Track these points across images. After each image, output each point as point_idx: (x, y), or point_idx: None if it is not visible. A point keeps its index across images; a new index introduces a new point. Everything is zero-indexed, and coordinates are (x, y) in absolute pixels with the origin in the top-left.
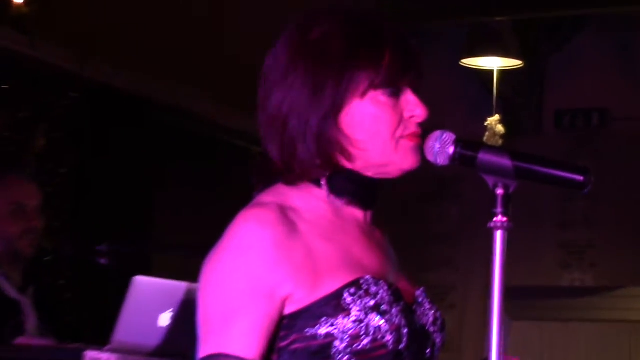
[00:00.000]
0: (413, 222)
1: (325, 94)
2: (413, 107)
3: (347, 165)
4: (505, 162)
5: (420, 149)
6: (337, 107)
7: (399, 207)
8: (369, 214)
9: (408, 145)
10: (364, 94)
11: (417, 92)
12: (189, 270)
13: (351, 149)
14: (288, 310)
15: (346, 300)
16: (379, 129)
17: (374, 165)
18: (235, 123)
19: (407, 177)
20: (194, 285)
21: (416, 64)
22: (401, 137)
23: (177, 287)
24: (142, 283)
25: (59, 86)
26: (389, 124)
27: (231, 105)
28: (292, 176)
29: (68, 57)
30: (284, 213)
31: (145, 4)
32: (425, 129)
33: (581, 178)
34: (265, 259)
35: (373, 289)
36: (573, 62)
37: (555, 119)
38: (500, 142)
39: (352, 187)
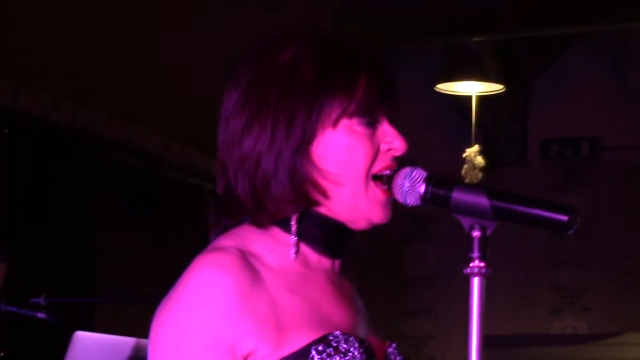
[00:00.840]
0: (388, 266)
1: (295, 124)
2: (391, 138)
3: (321, 200)
4: (482, 201)
5: (390, 201)
6: (308, 138)
7: (373, 249)
8: (337, 263)
9: (378, 195)
10: (336, 123)
11: (394, 123)
12: (137, 323)
13: (324, 183)
14: None
15: (314, 359)
16: (353, 161)
17: (345, 207)
18: (186, 160)
19: None
20: (142, 341)
21: (393, 92)
22: (375, 175)
23: (124, 343)
24: (84, 339)
25: None
26: (364, 156)
27: (182, 141)
28: (264, 216)
29: (1, 90)
30: (246, 259)
31: (87, 34)
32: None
33: (565, 218)
34: (226, 309)
35: (343, 346)
36: (559, 85)
37: (540, 149)
38: (480, 175)
39: (322, 233)
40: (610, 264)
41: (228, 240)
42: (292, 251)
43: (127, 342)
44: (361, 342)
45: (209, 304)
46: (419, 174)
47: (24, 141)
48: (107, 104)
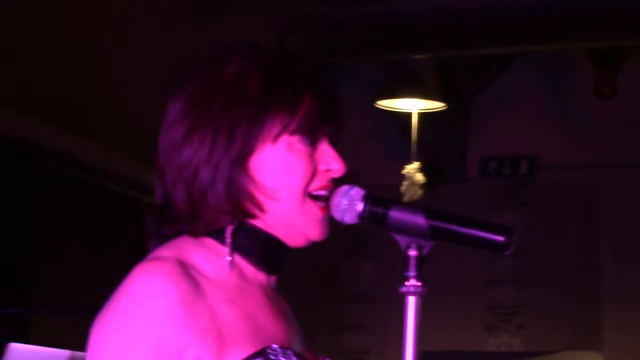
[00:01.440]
0: (326, 280)
1: (236, 136)
2: (330, 159)
3: (257, 214)
4: (420, 220)
5: (328, 218)
6: (247, 151)
7: (311, 264)
8: (273, 279)
9: (315, 212)
10: (276, 139)
11: (335, 144)
12: (73, 335)
13: (260, 197)
14: None
15: None
16: (290, 177)
17: (281, 223)
18: (125, 171)
19: None
20: (78, 353)
21: (337, 113)
22: (310, 194)
23: (59, 355)
24: (19, 351)
25: None
26: (301, 174)
27: (122, 153)
28: (200, 225)
29: None
30: (186, 269)
31: (27, 44)
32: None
33: (502, 239)
34: (170, 318)
35: (281, 359)
36: (499, 104)
37: (480, 166)
38: (419, 192)
39: (257, 247)
40: (547, 283)
41: (166, 251)
42: (227, 256)
43: (62, 355)
44: (298, 356)
45: (153, 313)
46: (357, 192)
47: None
48: (47, 114)
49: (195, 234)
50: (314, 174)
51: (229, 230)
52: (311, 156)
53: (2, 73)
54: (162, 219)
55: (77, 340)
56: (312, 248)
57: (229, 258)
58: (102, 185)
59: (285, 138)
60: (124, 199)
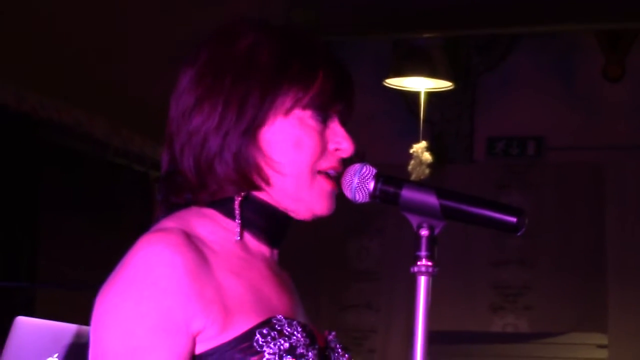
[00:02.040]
0: (332, 258)
1: (247, 106)
2: (340, 139)
3: (263, 186)
4: (432, 200)
5: (336, 194)
6: (258, 122)
7: (317, 241)
8: (275, 252)
9: (324, 186)
10: (288, 112)
11: (345, 124)
12: (79, 309)
13: (268, 171)
14: (197, 350)
15: (259, 342)
16: (299, 153)
17: (288, 197)
18: (133, 146)
19: None
20: (84, 327)
21: (349, 92)
22: (319, 171)
23: (65, 329)
24: (25, 324)
25: None
26: (311, 150)
27: (128, 128)
28: (205, 194)
29: None
30: (191, 240)
31: (35, 18)
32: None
33: (514, 220)
34: (177, 288)
35: (287, 329)
36: (507, 84)
37: (487, 147)
38: (427, 171)
39: (262, 220)
40: (553, 264)
41: (171, 222)
42: (236, 235)
43: (68, 329)
44: (304, 327)
45: (159, 283)
46: (369, 170)
47: None
48: (55, 87)
49: (200, 203)
50: (322, 152)
51: (237, 204)
52: (321, 133)
53: (9, 47)
54: (169, 187)
55: (82, 314)
56: (318, 225)
57: (238, 230)
58: (109, 159)
59: (298, 112)
60: (131, 173)
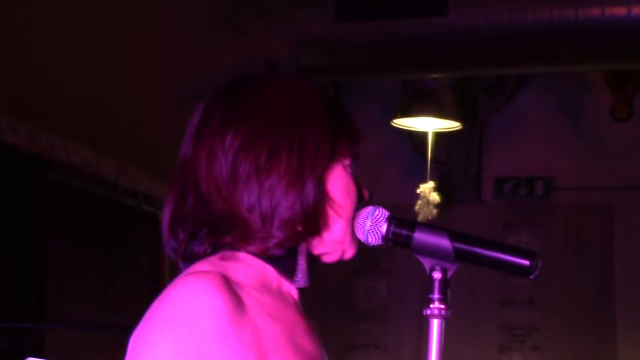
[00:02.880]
0: (340, 298)
1: (318, 156)
2: (360, 184)
3: (323, 231)
4: (444, 243)
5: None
6: (323, 171)
7: (326, 281)
8: (299, 296)
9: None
10: (343, 159)
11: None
12: (89, 349)
13: (330, 212)
14: None
15: None
16: (349, 198)
17: (333, 241)
18: (141, 186)
19: None
20: None
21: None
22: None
23: None
24: None
25: None
26: (354, 195)
27: (137, 168)
28: (270, 243)
29: None
30: (229, 283)
31: (46, 58)
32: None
33: (527, 263)
34: (216, 331)
35: None
36: (515, 124)
37: (495, 187)
38: (434, 211)
39: (301, 266)
40: (561, 304)
41: (206, 266)
42: (294, 286)
43: None
44: None
45: (199, 324)
46: (381, 213)
47: None
48: (63, 128)
49: (264, 252)
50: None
51: (301, 257)
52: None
53: (20, 88)
54: (220, 232)
55: (91, 354)
56: (326, 265)
57: (302, 274)
58: (118, 199)
59: (343, 160)
60: (139, 214)
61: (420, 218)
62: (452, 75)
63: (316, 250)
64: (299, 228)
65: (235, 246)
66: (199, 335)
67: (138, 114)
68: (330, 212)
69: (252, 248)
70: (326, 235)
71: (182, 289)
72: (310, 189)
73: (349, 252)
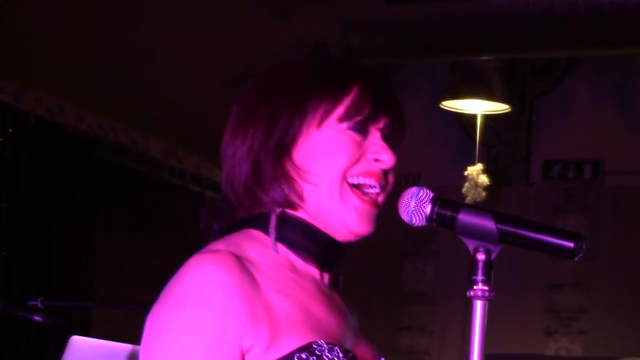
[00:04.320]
0: (387, 280)
1: (277, 122)
2: (379, 149)
3: (297, 202)
4: (489, 224)
5: (373, 213)
6: (290, 137)
7: (372, 263)
8: (326, 276)
9: (355, 202)
10: (320, 124)
11: (393, 146)
12: (134, 329)
13: (301, 184)
14: None
15: None
16: (331, 160)
17: (322, 211)
18: (188, 167)
19: (383, 230)
20: (139, 347)
21: (391, 109)
22: (354, 185)
23: (120, 349)
24: (80, 344)
25: None
26: (344, 157)
27: (185, 148)
28: (241, 210)
29: (4, 88)
30: (241, 261)
31: (93, 39)
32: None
33: (572, 245)
34: (229, 308)
35: (327, 355)
36: (564, 107)
37: (543, 170)
38: (483, 194)
39: (304, 240)
40: (609, 288)
41: (221, 245)
42: (273, 246)
43: (123, 349)
44: (345, 353)
45: (211, 302)
46: (426, 194)
47: (26, 141)
48: (112, 107)
49: (239, 221)
50: (358, 160)
51: (273, 218)
52: (359, 143)
53: (68, 69)
54: (213, 214)
55: (137, 334)
56: (374, 248)
57: (275, 247)
58: (165, 179)
59: (333, 124)
60: (186, 193)
61: (468, 200)
62: (501, 57)
63: (321, 226)
64: (258, 194)
65: (241, 224)
66: (213, 313)
67: (187, 96)
68: (300, 181)
69: (235, 218)
70: (307, 207)
71: (194, 269)
72: (265, 160)
73: (354, 225)
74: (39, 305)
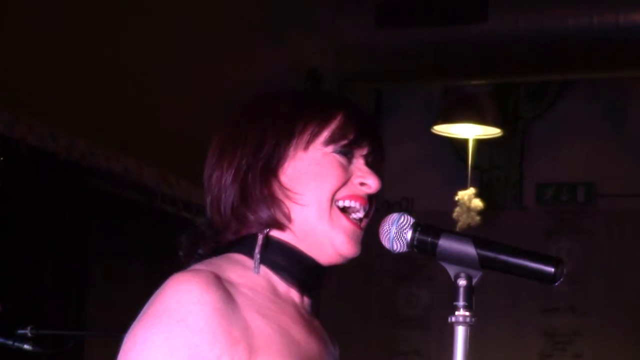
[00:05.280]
0: (382, 305)
1: (264, 145)
2: (364, 174)
3: (285, 223)
4: (469, 250)
5: (359, 235)
6: (276, 159)
7: (367, 287)
8: (307, 300)
9: (344, 223)
10: (307, 146)
11: (375, 170)
12: None
13: (289, 204)
14: None
15: None
16: (319, 182)
17: (310, 231)
18: (181, 193)
19: (378, 255)
20: None
21: (373, 137)
22: (342, 208)
23: None
24: None
25: None
26: (331, 178)
27: (178, 175)
28: (228, 233)
29: None
30: (220, 281)
31: (85, 66)
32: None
33: (552, 270)
34: (206, 325)
35: None
36: (557, 130)
37: (536, 193)
38: (477, 218)
39: (287, 263)
40: (603, 311)
41: (201, 266)
42: (256, 267)
43: None
44: None
45: (188, 319)
46: (407, 220)
47: (18, 170)
48: (104, 135)
49: (225, 245)
50: (345, 183)
51: (259, 239)
52: (345, 167)
53: (60, 96)
54: (197, 239)
55: None
56: (368, 272)
57: (257, 269)
58: (157, 206)
59: (319, 147)
60: (178, 220)
61: (460, 225)
62: (493, 82)
63: (307, 250)
64: (246, 214)
65: (227, 247)
66: (189, 331)
67: (178, 121)
68: (287, 202)
69: (221, 240)
70: (295, 229)
71: (172, 286)
72: (252, 182)
73: (342, 247)
74: (28, 334)
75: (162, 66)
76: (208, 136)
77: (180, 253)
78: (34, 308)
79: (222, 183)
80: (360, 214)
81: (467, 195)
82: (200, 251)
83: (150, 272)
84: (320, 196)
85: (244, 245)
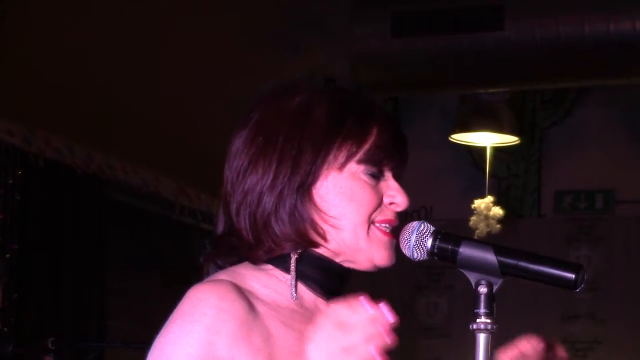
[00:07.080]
0: (401, 313)
1: (300, 163)
2: (394, 192)
3: (321, 242)
4: (489, 257)
5: (394, 244)
6: (311, 178)
7: (386, 296)
8: None
9: (380, 237)
10: (342, 167)
11: (399, 179)
12: None
13: (324, 226)
14: None
15: None
16: (355, 206)
17: (346, 249)
18: (199, 205)
19: (395, 266)
20: None
21: (404, 149)
22: (374, 222)
23: None
24: None
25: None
26: (366, 203)
27: (196, 186)
28: (260, 251)
29: (13, 131)
30: (240, 292)
31: (102, 80)
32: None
33: (572, 276)
34: (223, 329)
35: None
36: (574, 137)
37: (554, 201)
38: (497, 226)
39: (319, 274)
40: (623, 318)
41: (222, 275)
42: (293, 293)
43: None
44: None
45: (203, 321)
46: (427, 228)
47: (37, 183)
48: (122, 147)
49: (256, 260)
50: (377, 205)
51: (293, 260)
52: (375, 187)
53: (77, 110)
54: (220, 248)
55: None
56: (388, 281)
57: (294, 289)
58: (176, 218)
59: (352, 167)
60: (198, 232)
61: (478, 233)
62: (510, 90)
63: (338, 258)
64: (288, 240)
65: (249, 258)
66: (204, 329)
67: (195, 133)
68: (322, 224)
69: (252, 257)
70: (329, 245)
71: (190, 297)
72: (286, 200)
73: (378, 259)
74: (50, 346)
75: (178, 77)
76: (224, 148)
77: (201, 259)
78: (54, 320)
79: (257, 190)
80: (391, 226)
81: (485, 204)
82: (219, 262)
83: (168, 284)
84: (356, 220)
85: (277, 261)
